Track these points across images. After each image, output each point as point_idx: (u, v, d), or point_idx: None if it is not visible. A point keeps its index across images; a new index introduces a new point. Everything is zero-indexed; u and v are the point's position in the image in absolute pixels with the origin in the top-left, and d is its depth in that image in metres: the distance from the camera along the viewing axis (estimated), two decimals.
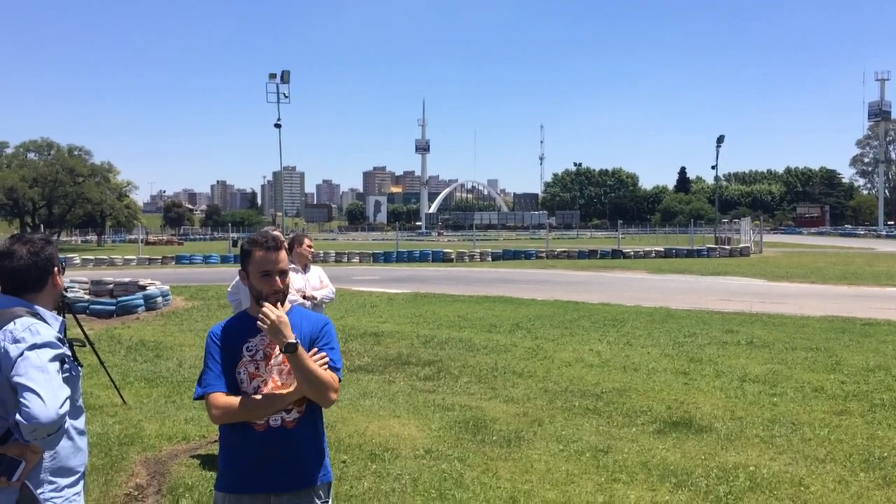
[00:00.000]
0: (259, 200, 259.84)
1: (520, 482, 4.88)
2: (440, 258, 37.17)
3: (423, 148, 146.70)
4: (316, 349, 2.56)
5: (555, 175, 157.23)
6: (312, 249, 6.15)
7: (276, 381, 2.52)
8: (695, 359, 9.25)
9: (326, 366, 2.54)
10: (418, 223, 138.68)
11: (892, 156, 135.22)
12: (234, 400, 2.48)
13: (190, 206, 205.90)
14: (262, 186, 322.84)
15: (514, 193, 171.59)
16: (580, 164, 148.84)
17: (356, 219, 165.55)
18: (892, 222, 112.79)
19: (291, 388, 2.49)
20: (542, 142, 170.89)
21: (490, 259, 37.27)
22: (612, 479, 4.95)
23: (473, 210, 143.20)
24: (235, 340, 2.57)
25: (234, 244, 47.44)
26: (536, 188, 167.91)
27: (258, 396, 2.48)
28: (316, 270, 6.12)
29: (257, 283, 2.56)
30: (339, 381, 2.58)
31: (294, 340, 2.44)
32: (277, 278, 2.56)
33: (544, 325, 12.46)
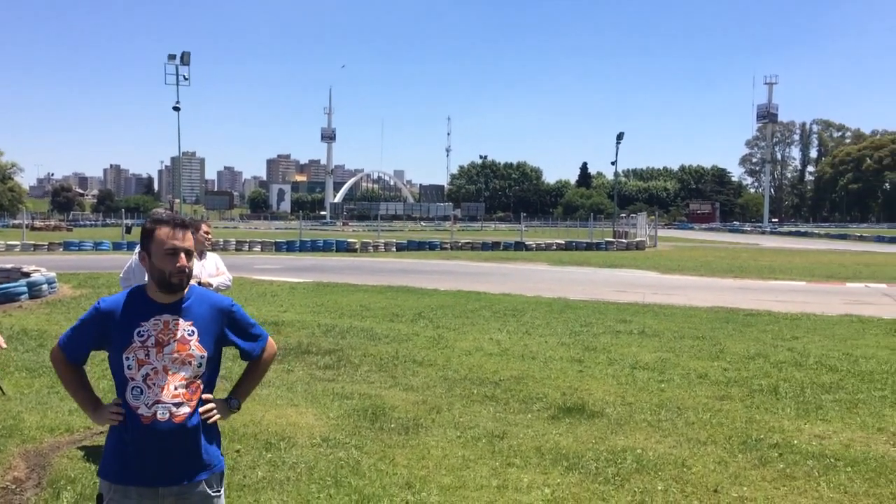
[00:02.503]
0: (156, 186, 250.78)
1: (416, 468, 4.92)
2: (344, 248, 36.87)
3: (329, 136, 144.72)
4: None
5: (461, 167, 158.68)
6: (210, 236, 6.00)
7: (174, 390, 2.41)
8: (590, 347, 9.54)
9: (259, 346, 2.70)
10: (323, 213, 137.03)
11: (778, 156, 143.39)
12: (74, 380, 2.56)
13: (80, 191, 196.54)
14: (160, 172, 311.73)
15: (421, 185, 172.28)
16: (486, 157, 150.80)
17: (259, 207, 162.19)
18: (777, 220, 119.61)
19: (193, 404, 2.47)
20: (448, 134, 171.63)
21: (395, 249, 37.26)
22: (506, 463, 5.05)
23: (379, 200, 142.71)
24: (126, 323, 2.43)
25: (128, 231, 45.54)
26: (443, 180, 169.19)
27: (119, 416, 2.42)
28: (212, 257, 5.98)
29: (161, 262, 2.43)
30: (268, 337, 2.74)
31: (233, 406, 2.66)
32: (183, 255, 2.44)
33: (446, 314, 12.57)
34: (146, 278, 2.55)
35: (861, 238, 58.87)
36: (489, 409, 6.50)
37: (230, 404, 2.64)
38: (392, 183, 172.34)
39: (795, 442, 5.57)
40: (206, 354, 2.48)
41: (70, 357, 2.54)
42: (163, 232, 2.45)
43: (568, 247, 39.51)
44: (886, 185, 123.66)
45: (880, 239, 56.51)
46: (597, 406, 6.58)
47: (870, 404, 6.76)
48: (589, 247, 39.73)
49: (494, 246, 38.73)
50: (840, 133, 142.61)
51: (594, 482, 4.74)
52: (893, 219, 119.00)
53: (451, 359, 8.71)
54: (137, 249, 2.61)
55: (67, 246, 36.69)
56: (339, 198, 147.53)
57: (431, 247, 38.44)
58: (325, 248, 36.95)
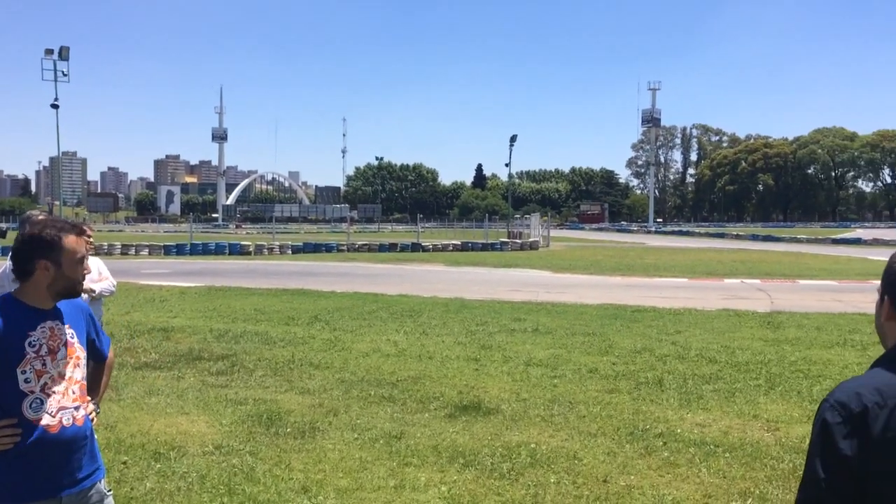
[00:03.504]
0: (34, 188, 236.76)
1: (313, 472, 4.87)
2: (237, 251, 35.95)
3: (220, 137, 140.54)
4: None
5: (357, 169, 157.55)
6: (92, 240, 5.76)
7: (73, 394, 2.41)
8: (486, 346, 9.70)
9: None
10: (215, 215, 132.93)
11: (662, 159, 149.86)
12: None
13: None
14: (38, 172, 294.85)
15: (317, 186, 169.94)
16: (382, 159, 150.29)
17: (146, 209, 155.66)
18: (661, 220, 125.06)
19: (91, 409, 2.51)
20: (344, 135, 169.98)
21: (290, 252, 36.66)
22: (403, 463, 5.08)
23: (274, 202, 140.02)
24: (12, 335, 2.32)
25: (3, 234, 42.82)
26: (339, 181, 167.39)
27: (16, 436, 2.29)
28: (94, 262, 5.73)
29: (71, 271, 2.39)
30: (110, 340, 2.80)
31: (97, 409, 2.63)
32: (86, 262, 2.50)
33: (343, 316, 12.49)
34: (11, 286, 2.47)
35: (737, 237, 62.33)
36: (386, 409, 6.51)
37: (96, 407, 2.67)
38: (287, 184, 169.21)
39: (678, 431, 5.86)
40: (85, 354, 2.52)
41: None
42: (71, 240, 2.42)
43: (464, 247, 40.00)
44: (760, 186, 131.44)
45: (754, 237, 59.99)
46: (492, 403, 6.71)
47: (746, 393, 7.18)
48: (485, 247, 40.34)
49: (391, 247, 38.74)
50: (717, 137, 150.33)
51: (490, 478, 4.83)
52: (766, 218, 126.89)
53: (349, 361, 8.66)
54: (10, 256, 2.48)
55: None
56: (231, 200, 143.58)
57: (328, 249, 38.05)
58: (218, 251, 35.92)
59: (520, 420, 6.19)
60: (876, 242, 48.39)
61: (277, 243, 38.49)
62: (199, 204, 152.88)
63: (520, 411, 6.45)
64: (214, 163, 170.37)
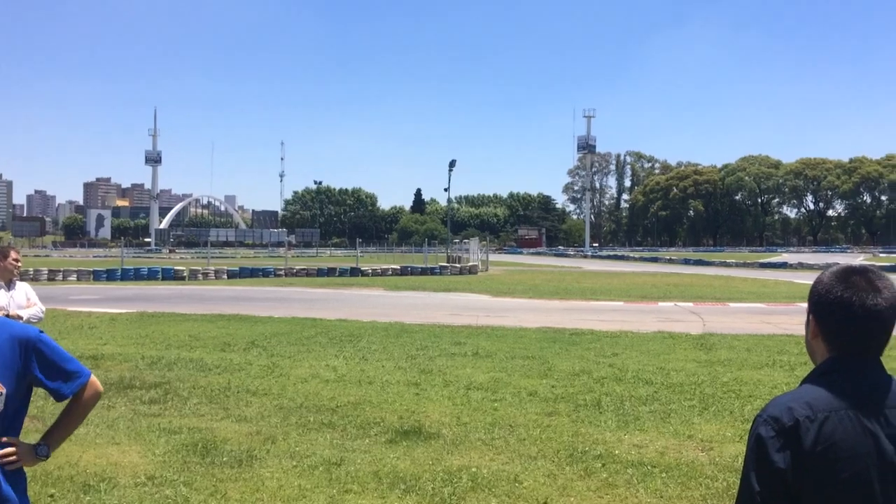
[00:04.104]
0: None
1: (250, 501, 4.76)
2: (171, 276, 35.11)
3: (153, 159, 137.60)
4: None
5: (295, 193, 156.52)
6: (19, 264, 5.57)
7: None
8: (426, 370, 9.68)
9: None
10: (147, 239, 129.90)
11: (597, 185, 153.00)
12: None
13: None
14: None
15: (254, 210, 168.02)
16: (320, 183, 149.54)
17: (75, 234, 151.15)
18: (597, 244, 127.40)
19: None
20: (282, 158, 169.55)
21: (226, 277, 36.01)
22: (343, 490, 5.00)
23: (209, 226, 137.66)
24: None
25: None
26: (276, 205, 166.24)
27: None
28: (22, 287, 5.58)
29: None
30: (88, 375, 2.44)
31: (41, 453, 2.33)
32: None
33: (281, 342, 12.30)
34: None
35: (670, 261, 63.98)
36: (326, 436, 6.41)
37: (37, 451, 2.34)
38: (223, 208, 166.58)
39: (617, 452, 5.93)
40: (4, 392, 2.21)
41: None
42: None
43: (403, 272, 39.94)
44: (691, 212, 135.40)
45: (686, 261, 61.67)
46: (433, 427, 6.68)
47: (681, 413, 7.33)
48: (424, 272, 40.38)
49: (330, 272, 38.44)
50: (650, 164, 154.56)
51: (431, 502, 4.80)
52: (697, 243, 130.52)
53: (287, 387, 8.52)
54: None
55: None
56: (165, 224, 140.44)
57: (265, 273, 37.51)
58: (150, 276, 35.02)
59: (461, 444, 6.18)
60: (801, 266, 50.24)
61: (213, 268, 37.74)
62: (130, 228, 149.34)
63: (461, 435, 6.44)
64: (147, 186, 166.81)
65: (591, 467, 5.55)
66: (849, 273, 1.64)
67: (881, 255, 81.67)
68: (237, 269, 38.37)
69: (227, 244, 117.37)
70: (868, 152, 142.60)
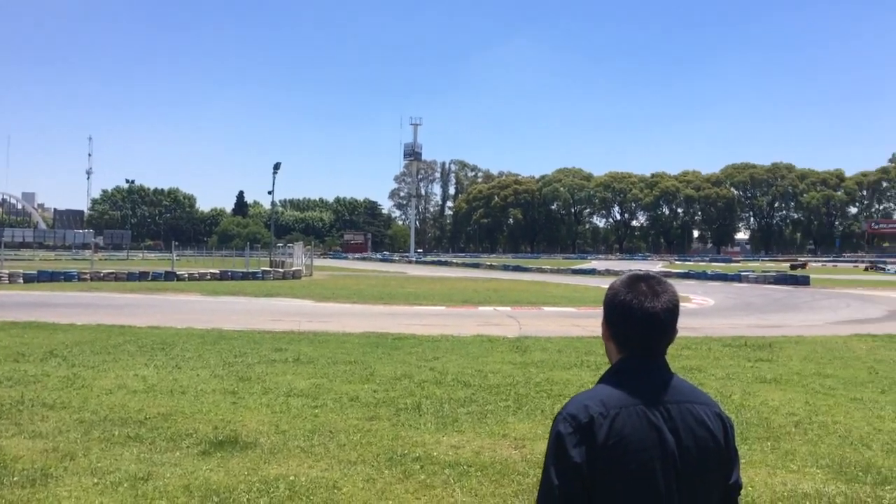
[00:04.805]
0: None
1: None
2: None
3: None
4: None
5: (104, 191, 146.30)
6: None
7: None
8: (244, 378, 9.37)
9: None
10: None
11: (423, 192, 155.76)
12: None
13: None
14: None
15: (56, 209, 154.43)
16: (133, 182, 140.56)
17: None
18: (422, 250, 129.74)
19: None
20: (90, 155, 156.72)
21: (21, 281, 32.87)
22: None
23: (4, 226, 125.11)
24: None
25: None
26: (82, 205, 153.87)
27: None
28: None
29: None
30: None
31: None
32: None
33: (84, 351, 11.42)
34: None
35: (491, 266, 66.28)
36: (132, 450, 6.03)
37: None
38: (20, 206, 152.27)
39: (435, 454, 6.05)
40: None
41: None
42: None
43: (223, 276, 38.47)
44: (511, 220, 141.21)
45: (506, 267, 64.14)
46: (250, 437, 6.48)
47: (496, 414, 7.60)
48: (245, 276, 39.09)
49: (142, 276, 36.23)
50: (473, 173, 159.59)
51: None
52: (516, 249, 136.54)
53: (89, 399, 7.92)
54: None
55: None
56: None
57: (67, 277, 34.69)
58: None
59: (278, 453, 6.03)
60: (608, 273, 53.79)
61: (6, 271, 34.32)
62: None
63: (279, 444, 6.29)
64: None
65: (409, 469, 5.62)
66: (635, 280, 1.77)
67: (677, 262, 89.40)
68: (34, 272, 35.15)
69: (24, 245, 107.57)
70: (667, 168, 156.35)
